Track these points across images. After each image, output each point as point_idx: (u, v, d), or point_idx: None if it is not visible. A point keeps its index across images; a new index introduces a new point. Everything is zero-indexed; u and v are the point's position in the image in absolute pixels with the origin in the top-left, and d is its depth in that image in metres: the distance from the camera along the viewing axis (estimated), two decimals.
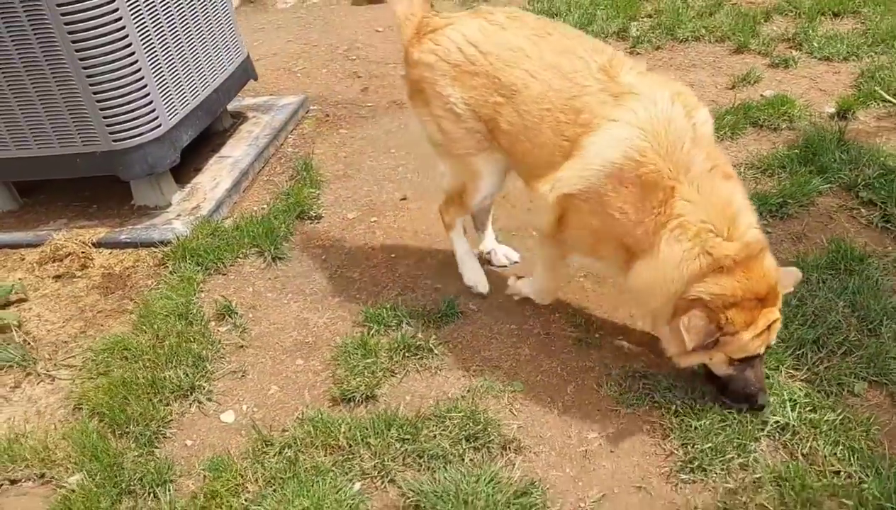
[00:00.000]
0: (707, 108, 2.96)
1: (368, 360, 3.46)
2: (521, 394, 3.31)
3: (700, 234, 2.70)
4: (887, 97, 5.21)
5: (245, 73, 5.49)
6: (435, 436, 3.07)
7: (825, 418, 2.94)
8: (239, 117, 5.78)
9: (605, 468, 2.95)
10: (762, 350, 2.85)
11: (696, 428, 2.97)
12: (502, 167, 3.47)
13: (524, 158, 3.22)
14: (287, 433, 3.16)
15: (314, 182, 5.03)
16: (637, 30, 6.89)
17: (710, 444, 2.89)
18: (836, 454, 2.81)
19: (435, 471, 2.91)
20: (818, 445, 2.86)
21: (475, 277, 3.87)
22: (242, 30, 5.72)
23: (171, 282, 4.09)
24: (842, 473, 2.75)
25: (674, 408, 3.09)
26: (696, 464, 2.86)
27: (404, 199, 4.88)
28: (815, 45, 6.19)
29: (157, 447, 3.16)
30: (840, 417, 2.92)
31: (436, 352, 3.54)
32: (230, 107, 5.65)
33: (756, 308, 2.74)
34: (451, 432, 3.08)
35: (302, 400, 3.38)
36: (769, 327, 2.79)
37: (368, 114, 6.14)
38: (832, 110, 5.26)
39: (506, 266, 4.04)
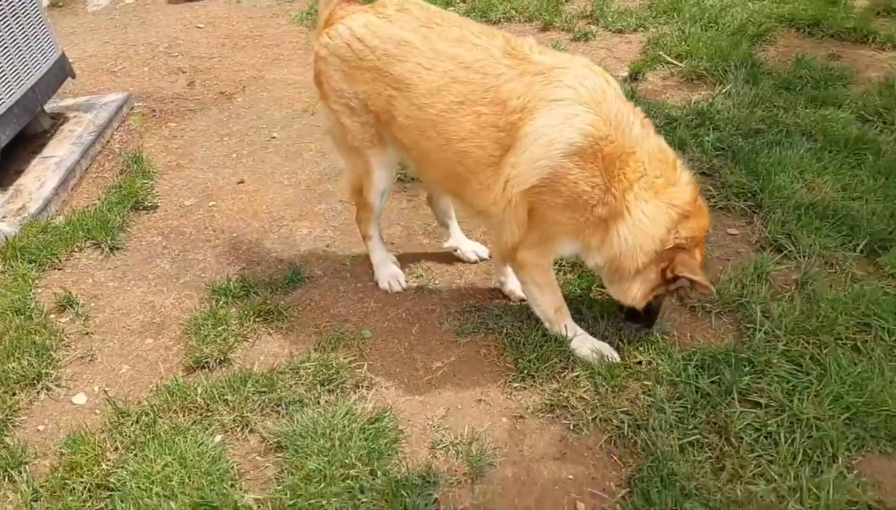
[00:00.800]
0: None
1: (219, 328, 3.57)
2: (369, 340, 3.54)
3: (660, 189, 2.88)
4: (669, 59, 5.91)
5: (62, 71, 5.35)
6: (291, 386, 3.25)
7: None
8: (59, 118, 5.61)
9: (449, 390, 3.25)
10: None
11: (523, 344, 3.34)
12: (394, 161, 3.52)
13: (440, 155, 3.12)
14: (143, 403, 3.21)
15: (146, 173, 5.01)
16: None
17: (535, 354, 3.26)
18: (638, 348, 3.27)
19: (293, 415, 3.08)
20: (623, 343, 3.30)
21: (391, 283, 3.83)
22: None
23: (4, 282, 3.98)
24: (643, 362, 3.20)
25: (504, 330, 3.45)
26: (526, 372, 3.22)
27: (241, 182, 4.97)
28: (610, 19, 6.85)
29: (6, 435, 3.12)
30: None
31: (285, 314, 3.71)
32: (49, 108, 5.49)
33: (702, 246, 3.04)
34: (305, 380, 3.27)
35: (156, 373, 3.44)
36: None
37: (197, 106, 6.14)
38: (625, 74, 5.89)
39: (476, 262, 3.99)
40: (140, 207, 4.71)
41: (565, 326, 3.29)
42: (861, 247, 3.66)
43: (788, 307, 3.35)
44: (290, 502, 2.71)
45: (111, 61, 7.17)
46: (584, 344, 3.26)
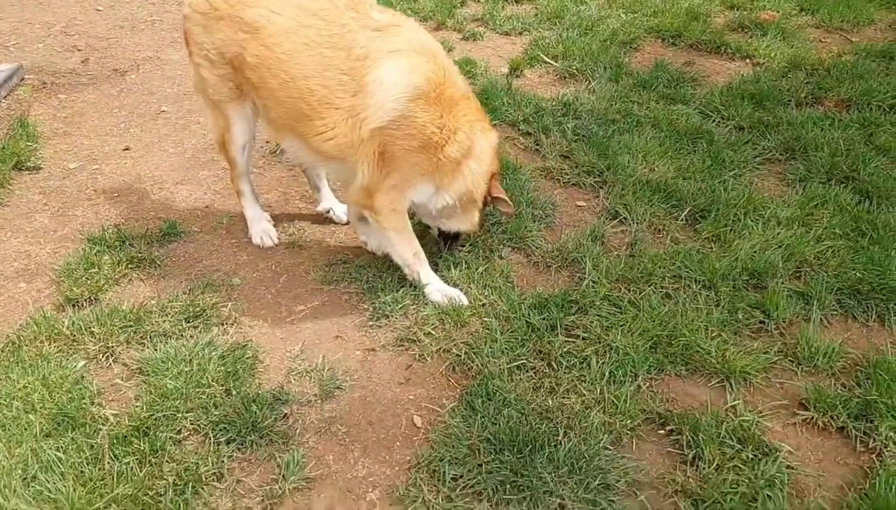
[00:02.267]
0: None
1: (91, 272, 3.73)
2: (238, 287, 3.78)
3: (486, 130, 3.47)
4: (546, 59, 6.40)
5: None
6: (157, 322, 3.45)
7: (477, 270, 3.77)
8: None
9: (309, 329, 3.52)
10: None
11: (381, 289, 3.65)
12: (251, 116, 3.76)
13: (285, 93, 3.37)
14: (9, 337, 3.34)
15: (31, 137, 5.09)
16: None
17: (391, 297, 3.58)
18: (483, 293, 3.63)
19: (157, 345, 3.28)
20: (471, 289, 3.66)
21: (263, 239, 4.07)
22: None
23: None
24: (486, 304, 3.57)
25: (366, 278, 3.76)
26: (381, 313, 3.53)
27: (127, 149, 5.12)
28: (498, 23, 7.30)
29: None
30: (486, 269, 3.77)
31: (158, 263, 3.90)
32: None
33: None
34: (172, 317, 3.47)
35: (25, 311, 3.57)
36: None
37: (89, 82, 6.22)
38: (506, 70, 6.33)
39: (347, 223, 4.18)
40: (22, 168, 4.79)
41: (421, 272, 3.62)
42: (684, 215, 4.16)
43: (616, 261, 3.78)
44: (146, 415, 2.92)
45: (4, 37, 7.12)
46: (437, 289, 3.59)
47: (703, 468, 2.74)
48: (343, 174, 3.62)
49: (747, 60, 6.29)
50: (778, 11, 7.22)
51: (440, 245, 3.88)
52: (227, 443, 2.87)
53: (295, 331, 3.50)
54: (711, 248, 3.90)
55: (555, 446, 2.80)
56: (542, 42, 6.72)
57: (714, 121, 5.19)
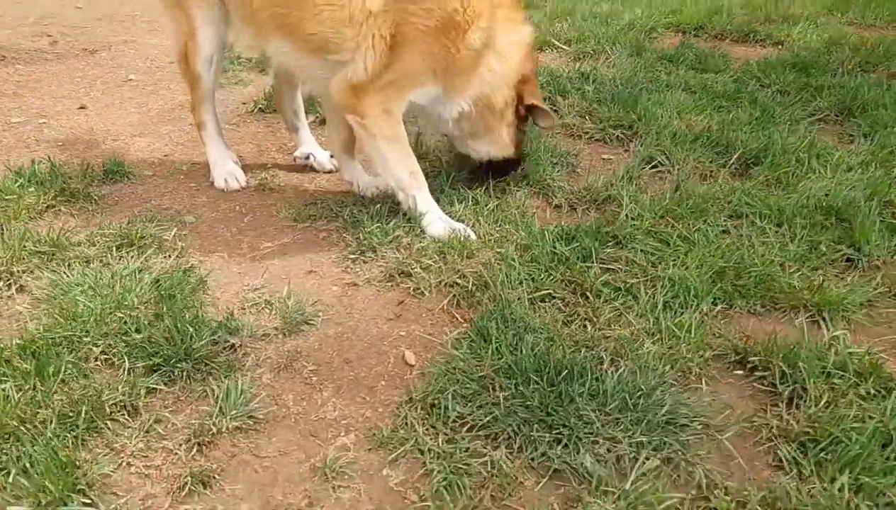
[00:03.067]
0: None
1: (8, 198, 3.00)
2: (191, 225, 3.05)
3: (515, 22, 2.83)
4: (558, 44, 5.83)
5: None
6: (80, 250, 2.69)
7: (486, 206, 3.04)
8: None
9: (276, 265, 2.77)
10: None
11: (366, 220, 2.91)
12: (220, 19, 3.11)
13: None
14: None
15: None
16: None
17: (378, 225, 2.85)
18: (494, 228, 2.90)
19: (73, 270, 2.53)
20: (479, 224, 2.93)
21: (229, 181, 3.37)
22: None
23: None
24: (498, 238, 2.83)
25: (348, 213, 3.03)
26: (367, 246, 2.80)
27: (83, 107, 4.46)
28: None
29: None
30: (497, 205, 3.05)
31: (95, 199, 3.18)
32: None
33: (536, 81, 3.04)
34: (99, 246, 2.73)
35: None
36: None
37: (54, 58, 5.62)
38: None
39: (331, 170, 3.54)
40: None
41: (419, 197, 2.89)
42: (734, 160, 3.46)
43: (659, 198, 3.06)
44: (41, 336, 2.14)
45: None
46: (439, 218, 2.87)
47: (808, 407, 1.95)
48: (328, 67, 2.88)
49: (780, 46, 5.71)
50: (802, 10, 6.72)
51: (482, 176, 3.20)
52: (148, 372, 2.08)
53: (257, 267, 2.75)
54: (772, 190, 3.18)
55: (598, 377, 2.01)
56: (554, 30, 6.18)
57: (753, 87, 4.55)
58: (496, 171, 3.15)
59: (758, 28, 5.98)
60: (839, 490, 1.69)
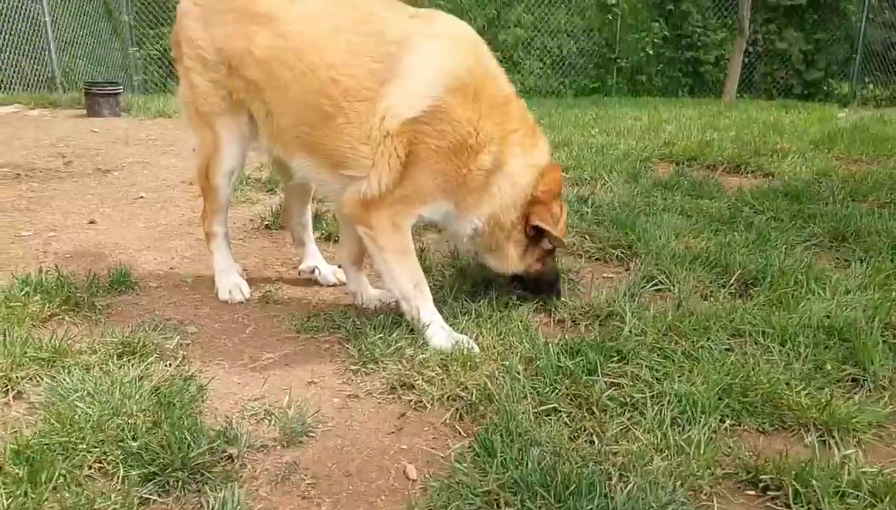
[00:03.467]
0: None
1: (13, 304, 3.01)
2: (193, 335, 3.05)
3: (528, 148, 2.92)
4: None
5: None
6: (80, 358, 2.68)
7: (489, 318, 3.05)
8: None
9: (276, 375, 2.75)
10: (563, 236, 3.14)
11: (369, 331, 2.91)
12: (245, 135, 3.22)
13: (300, 88, 2.86)
14: None
15: None
16: None
17: (380, 336, 2.84)
18: (498, 340, 2.89)
19: (73, 376, 2.50)
20: (482, 336, 2.92)
21: (233, 293, 3.39)
22: None
23: None
24: (502, 350, 2.82)
25: (350, 320, 3.04)
26: (369, 357, 2.78)
27: (93, 222, 4.56)
28: None
29: None
30: (501, 317, 3.06)
31: (100, 309, 3.19)
32: None
33: (558, 199, 3.06)
34: (100, 354, 2.71)
35: None
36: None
37: (68, 176, 5.80)
38: None
39: (335, 284, 3.59)
40: None
41: (422, 309, 2.90)
42: (733, 281, 3.50)
43: (661, 315, 3.08)
44: (36, 442, 2.09)
45: None
46: (442, 332, 2.87)
47: None
48: (344, 182, 2.96)
49: (771, 177, 5.91)
50: (790, 145, 7.01)
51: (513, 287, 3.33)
52: (143, 481, 2.02)
53: (258, 377, 2.72)
54: (773, 310, 3.21)
55: (607, 494, 1.95)
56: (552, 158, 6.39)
57: (748, 212, 4.68)
58: (530, 289, 3.26)
59: (748, 160, 6.21)
60: None
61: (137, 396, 2.35)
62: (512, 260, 3.06)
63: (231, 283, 3.40)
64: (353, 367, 2.75)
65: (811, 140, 7.30)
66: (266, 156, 3.45)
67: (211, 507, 1.93)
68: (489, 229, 2.96)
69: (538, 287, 3.23)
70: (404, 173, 2.79)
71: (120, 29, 14.23)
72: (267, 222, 4.47)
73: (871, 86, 14.94)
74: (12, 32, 10.95)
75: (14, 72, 11.07)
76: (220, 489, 1.98)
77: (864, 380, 2.67)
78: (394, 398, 2.59)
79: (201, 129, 3.25)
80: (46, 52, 11.58)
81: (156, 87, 13.67)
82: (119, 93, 9.00)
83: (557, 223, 3.05)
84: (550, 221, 2.97)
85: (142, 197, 5.18)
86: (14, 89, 10.88)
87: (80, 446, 2.10)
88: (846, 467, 2.11)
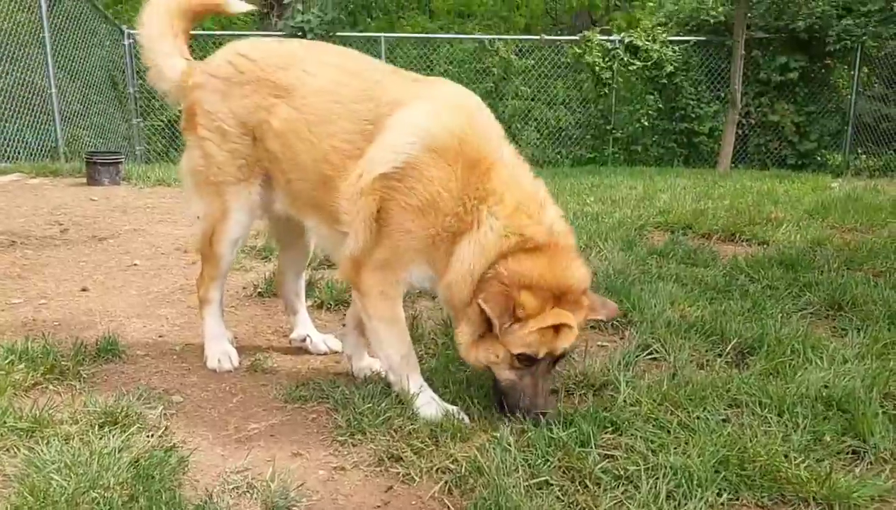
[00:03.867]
0: None
1: None
2: (178, 405, 2.98)
3: (515, 214, 2.62)
4: None
5: None
6: (61, 428, 2.61)
7: (481, 389, 2.99)
8: None
9: (261, 447, 2.68)
10: (541, 352, 2.62)
11: (357, 400, 2.85)
12: (255, 205, 3.22)
13: (310, 156, 2.92)
14: None
15: None
16: None
17: (369, 405, 2.78)
18: (487, 413, 2.83)
19: (51, 447, 2.43)
20: (473, 407, 2.86)
21: (222, 361, 3.34)
22: None
23: None
24: (488, 423, 2.75)
25: (339, 389, 2.98)
26: (357, 428, 2.71)
27: (84, 290, 4.53)
28: None
29: None
30: (491, 389, 3.00)
31: (85, 378, 3.14)
32: None
33: (549, 301, 2.57)
34: (82, 424, 2.65)
35: None
36: (557, 330, 2.59)
37: (63, 244, 5.80)
38: None
39: (326, 353, 3.54)
40: None
41: (410, 379, 2.85)
42: (729, 349, 3.46)
43: (657, 385, 3.02)
44: None
45: None
46: (432, 403, 2.81)
47: None
48: (339, 241, 2.97)
49: (765, 245, 5.92)
50: (784, 214, 7.05)
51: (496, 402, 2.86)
52: None
53: (242, 449, 2.65)
54: (770, 380, 3.15)
55: None
56: None
57: (743, 281, 4.66)
58: (502, 401, 2.79)
59: (743, 229, 6.23)
60: None
61: (115, 468, 2.28)
62: (464, 345, 2.70)
63: (220, 351, 3.36)
64: (340, 438, 2.68)
65: (805, 209, 7.34)
66: (266, 222, 3.47)
67: None
68: (447, 301, 2.79)
69: (504, 398, 2.75)
70: (381, 234, 2.76)
71: (125, 100, 14.53)
72: (259, 290, 4.45)
73: (863, 156, 15.17)
74: (18, 103, 11.15)
75: (18, 141, 11.23)
76: None
77: (864, 452, 2.60)
78: (381, 470, 2.51)
79: (209, 198, 3.22)
80: (51, 123, 11.77)
81: (158, 156, 13.88)
82: (120, 162, 9.11)
83: (526, 318, 2.56)
84: (497, 307, 2.52)
85: (136, 264, 5.17)
86: (18, 158, 11.01)
87: None
88: None
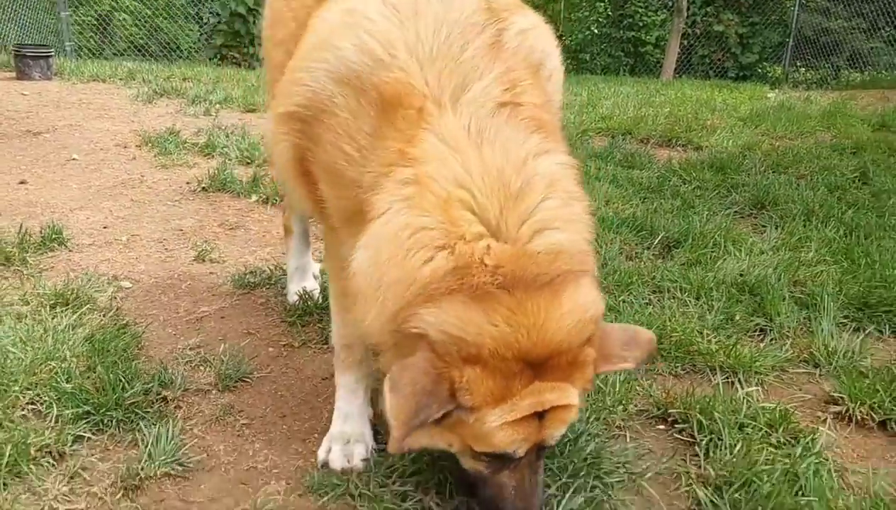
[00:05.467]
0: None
1: None
2: (128, 290, 3.06)
3: (448, 208, 1.55)
4: None
5: None
6: (12, 305, 2.67)
7: None
8: None
9: (213, 327, 2.81)
10: (521, 449, 1.61)
11: (310, 290, 2.98)
12: None
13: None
14: None
15: None
16: None
17: (316, 288, 2.91)
18: None
19: (5, 325, 2.50)
20: None
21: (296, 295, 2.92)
22: None
23: None
24: None
25: (286, 280, 3.09)
26: (305, 310, 2.84)
27: (23, 182, 4.47)
28: None
29: None
30: None
31: (31, 263, 3.18)
32: None
33: (520, 376, 1.53)
34: (32, 304, 2.72)
35: None
36: (542, 416, 1.59)
37: None
38: None
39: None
40: None
41: (341, 380, 2.15)
42: (657, 243, 3.68)
43: None
44: None
45: None
46: (346, 421, 2.11)
47: (724, 454, 2.05)
48: None
49: (700, 150, 6.15)
50: (720, 121, 7.28)
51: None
52: (77, 420, 2.06)
53: (192, 329, 2.77)
54: (692, 269, 3.38)
55: None
56: None
57: (675, 182, 4.88)
58: (471, 493, 1.79)
59: (679, 134, 6.44)
60: None
61: (71, 343, 2.37)
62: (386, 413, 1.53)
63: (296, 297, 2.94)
64: (289, 319, 2.82)
65: (740, 117, 7.58)
66: None
67: (145, 443, 1.98)
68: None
69: (476, 497, 1.76)
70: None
71: None
72: (204, 185, 4.46)
73: (802, 69, 15.49)
74: None
75: None
76: (155, 426, 2.03)
77: (770, 329, 2.87)
78: (329, 348, 2.65)
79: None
80: None
81: (90, 53, 13.26)
82: (50, 55, 8.73)
83: (478, 407, 1.53)
84: (428, 391, 1.48)
85: (74, 159, 5.09)
86: None
87: (13, 388, 2.12)
88: (747, 403, 2.29)
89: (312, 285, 3.01)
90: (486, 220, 1.55)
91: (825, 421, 2.32)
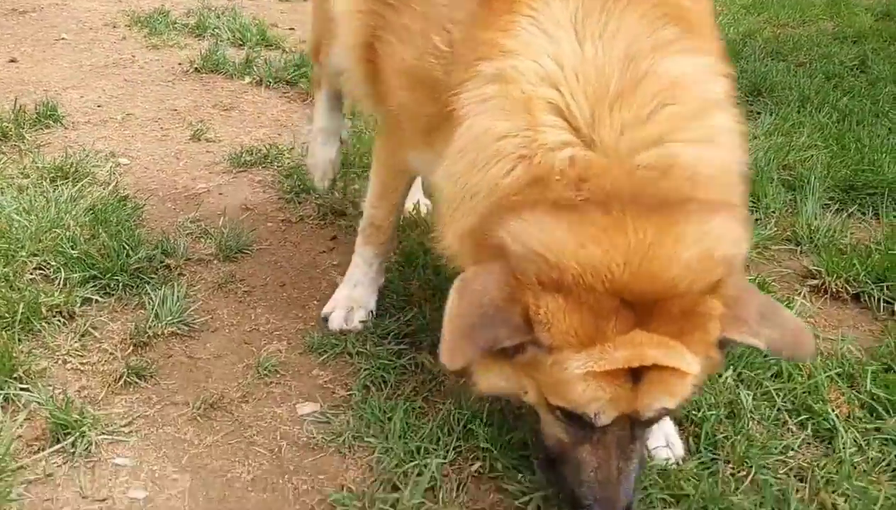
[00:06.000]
0: None
1: None
2: (125, 166, 3.09)
3: (532, 110, 1.34)
4: None
5: None
6: (13, 178, 2.71)
7: None
8: None
9: (212, 202, 2.86)
10: (605, 414, 1.33)
11: (303, 168, 3.02)
12: None
13: None
14: None
15: None
16: None
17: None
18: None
19: (8, 196, 2.55)
20: None
21: (318, 169, 2.66)
22: None
23: None
24: None
25: (284, 159, 3.12)
26: (302, 188, 2.89)
27: (13, 61, 4.40)
28: None
29: None
30: None
31: (28, 139, 3.19)
32: None
33: (615, 316, 1.27)
34: (32, 177, 2.75)
35: None
36: (639, 377, 1.30)
37: None
38: None
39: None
40: None
41: (360, 250, 2.18)
42: None
43: None
44: None
45: None
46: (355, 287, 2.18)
47: None
48: None
49: None
50: (722, 7, 7.11)
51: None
52: (84, 283, 2.14)
53: (192, 203, 2.83)
54: None
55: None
56: None
57: None
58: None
59: None
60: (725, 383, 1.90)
61: (73, 212, 2.43)
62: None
63: (316, 170, 2.72)
64: (286, 196, 2.88)
65: (742, 4, 7.39)
66: None
67: (151, 304, 2.08)
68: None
69: (549, 464, 1.51)
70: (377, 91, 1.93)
71: None
72: (196, 66, 4.40)
73: None
74: None
75: None
76: (160, 289, 2.12)
77: (756, 209, 2.93)
78: (326, 223, 2.74)
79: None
80: None
81: None
82: None
83: (556, 346, 1.28)
84: (496, 315, 1.28)
85: (63, 38, 4.99)
86: None
87: (20, 254, 2.20)
88: None
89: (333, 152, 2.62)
90: (575, 126, 1.31)
91: (801, 293, 2.42)
